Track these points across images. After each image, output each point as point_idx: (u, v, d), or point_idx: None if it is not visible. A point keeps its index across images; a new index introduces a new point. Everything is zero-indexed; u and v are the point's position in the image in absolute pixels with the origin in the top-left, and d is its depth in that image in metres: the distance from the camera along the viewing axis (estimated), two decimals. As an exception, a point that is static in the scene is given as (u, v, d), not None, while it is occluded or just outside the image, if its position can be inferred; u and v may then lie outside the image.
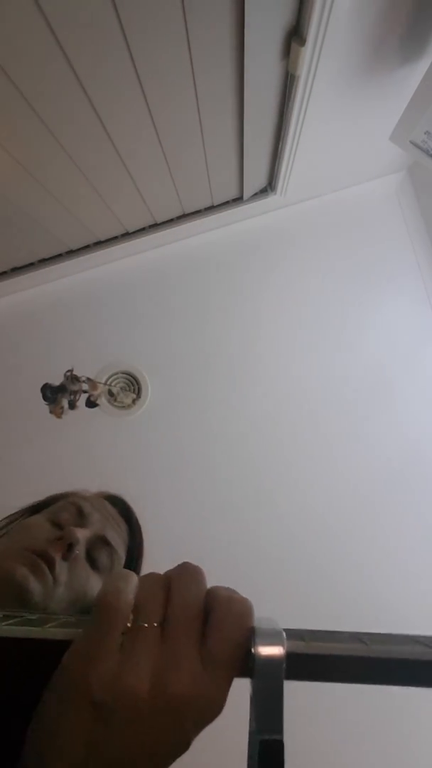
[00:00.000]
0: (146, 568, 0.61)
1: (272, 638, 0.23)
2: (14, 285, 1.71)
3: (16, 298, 1.76)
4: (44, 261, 1.68)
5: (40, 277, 1.71)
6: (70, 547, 0.50)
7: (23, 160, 1.13)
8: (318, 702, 1.44)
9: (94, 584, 0.52)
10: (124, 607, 0.24)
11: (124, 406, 1.72)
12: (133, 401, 1.71)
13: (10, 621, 0.25)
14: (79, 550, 0.51)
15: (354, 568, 1.60)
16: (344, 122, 1.31)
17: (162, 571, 0.28)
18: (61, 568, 0.48)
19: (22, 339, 1.80)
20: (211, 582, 0.27)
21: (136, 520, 0.63)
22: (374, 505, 1.66)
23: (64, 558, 0.49)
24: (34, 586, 0.46)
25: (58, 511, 0.56)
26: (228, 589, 0.26)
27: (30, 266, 1.68)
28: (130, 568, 0.58)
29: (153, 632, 0.23)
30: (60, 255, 1.68)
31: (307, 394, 1.73)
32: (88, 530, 0.54)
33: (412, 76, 1.12)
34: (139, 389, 1.73)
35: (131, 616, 0.24)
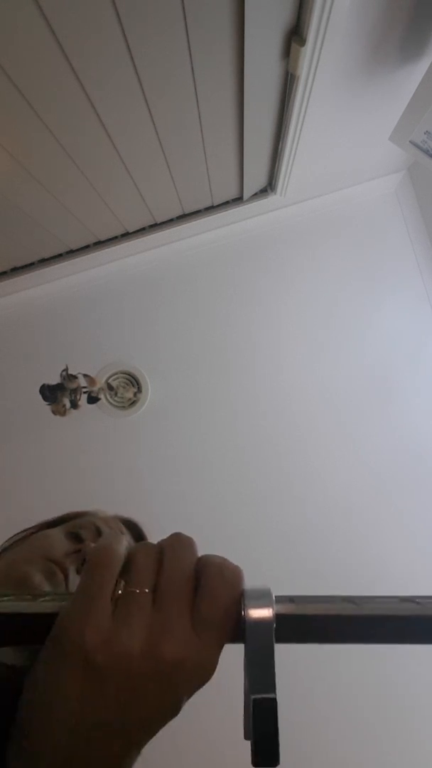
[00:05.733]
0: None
1: (261, 600, 0.23)
2: (14, 285, 1.71)
3: (16, 298, 1.76)
4: (44, 261, 1.68)
5: (40, 277, 1.71)
6: (85, 561, 0.50)
7: (23, 160, 1.13)
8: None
9: None
10: (115, 563, 0.24)
11: (124, 403, 1.72)
12: (135, 395, 1.71)
13: (4, 598, 0.25)
14: None
15: (356, 567, 1.60)
16: (344, 122, 1.31)
17: None
18: (74, 579, 0.49)
19: (23, 339, 1.80)
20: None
21: None
22: (375, 505, 1.66)
23: (78, 571, 0.50)
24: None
25: (77, 527, 0.57)
26: (220, 557, 0.26)
27: (30, 266, 1.68)
28: None
29: (145, 597, 0.24)
30: (60, 255, 1.68)
31: (308, 393, 1.73)
32: None
33: (412, 77, 1.12)
34: (140, 388, 1.73)
35: (122, 582, 0.24)
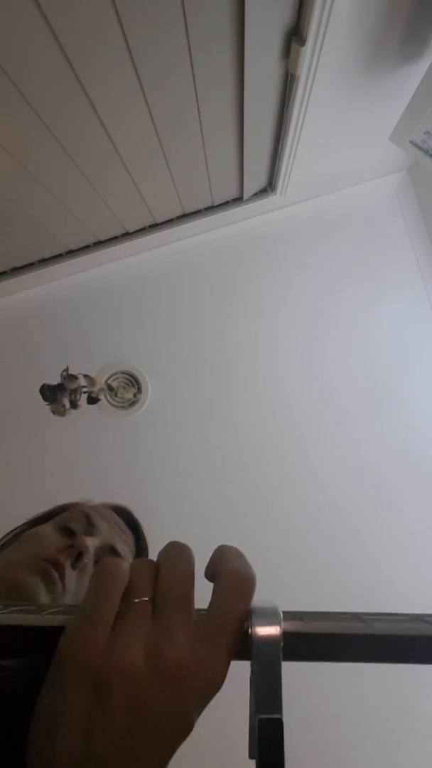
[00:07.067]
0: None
1: (269, 618, 0.23)
2: (14, 285, 1.71)
3: (16, 298, 1.76)
4: (44, 261, 1.68)
5: (40, 277, 1.71)
6: (79, 555, 0.50)
7: (23, 160, 1.13)
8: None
9: None
10: (119, 581, 0.24)
11: (124, 404, 1.72)
12: (134, 395, 1.71)
13: (9, 610, 0.24)
14: (89, 559, 0.51)
15: (356, 568, 1.60)
16: (344, 122, 1.31)
17: None
18: (71, 576, 0.49)
19: (23, 339, 1.80)
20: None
21: (142, 531, 0.64)
22: (375, 506, 1.66)
23: (74, 566, 0.50)
24: (44, 595, 0.46)
25: (68, 520, 0.56)
26: (234, 559, 0.26)
27: (30, 266, 1.68)
28: None
29: (143, 607, 0.24)
30: (60, 255, 1.68)
31: (308, 393, 1.73)
32: (97, 539, 0.54)
33: (412, 77, 1.12)
34: (139, 388, 1.73)
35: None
